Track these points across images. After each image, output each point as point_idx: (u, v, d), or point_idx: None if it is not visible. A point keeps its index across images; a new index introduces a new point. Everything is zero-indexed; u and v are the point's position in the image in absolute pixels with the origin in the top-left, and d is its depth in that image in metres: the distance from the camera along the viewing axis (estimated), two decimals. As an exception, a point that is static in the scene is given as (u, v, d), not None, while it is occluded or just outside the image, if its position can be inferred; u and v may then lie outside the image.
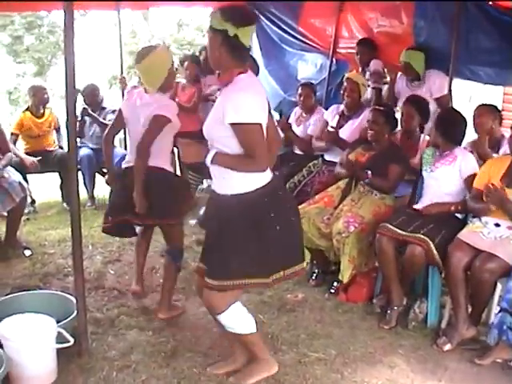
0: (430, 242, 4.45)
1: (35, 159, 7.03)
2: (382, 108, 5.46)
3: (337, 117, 6.25)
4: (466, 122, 4.90)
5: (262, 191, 3.39)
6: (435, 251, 4.44)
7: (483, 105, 5.32)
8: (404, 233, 4.58)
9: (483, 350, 4.22)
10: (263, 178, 3.42)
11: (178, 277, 4.81)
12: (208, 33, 3.34)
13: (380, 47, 7.08)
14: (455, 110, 5.05)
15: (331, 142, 6.11)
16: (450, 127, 4.88)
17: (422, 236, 4.48)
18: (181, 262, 4.80)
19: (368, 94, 6.91)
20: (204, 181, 8.56)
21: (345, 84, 6.21)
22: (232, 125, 3.24)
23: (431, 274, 4.64)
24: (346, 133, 6.09)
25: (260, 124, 3.27)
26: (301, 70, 8.56)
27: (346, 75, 6.37)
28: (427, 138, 5.65)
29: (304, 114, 6.82)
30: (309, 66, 8.39)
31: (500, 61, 5.92)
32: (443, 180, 4.79)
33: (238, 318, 3.61)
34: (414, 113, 5.60)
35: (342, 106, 6.32)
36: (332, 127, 6.18)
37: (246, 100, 3.23)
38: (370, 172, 5.20)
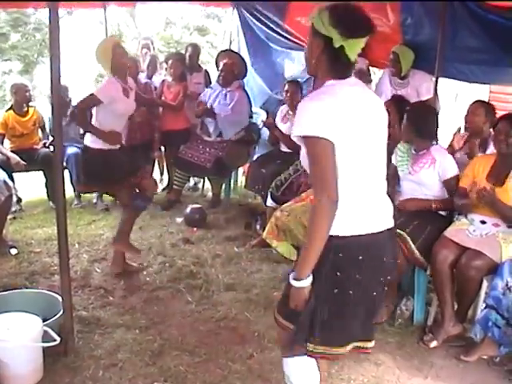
0: (410, 242, 4.45)
1: (20, 160, 7.00)
2: None
3: None
4: (437, 115, 4.90)
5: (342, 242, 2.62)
6: (416, 251, 4.45)
7: (479, 101, 5.33)
8: None
9: (469, 347, 4.24)
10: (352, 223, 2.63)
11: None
12: (309, 32, 2.70)
13: (369, 46, 7.08)
14: (425, 104, 5.05)
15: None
16: (422, 122, 4.79)
17: (400, 231, 4.46)
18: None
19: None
20: (190, 179, 8.57)
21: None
22: (298, 138, 2.59)
23: (417, 272, 4.65)
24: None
25: (328, 140, 2.47)
26: (287, 67, 8.57)
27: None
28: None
29: (290, 112, 6.82)
30: (295, 64, 8.39)
31: (486, 59, 5.93)
32: (425, 184, 4.75)
33: (299, 372, 3.00)
34: (394, 112, 5.57)
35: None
36: None
37: (311, 108, 2.54)
38: None
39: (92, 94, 5.07)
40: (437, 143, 4.88)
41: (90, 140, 5.20)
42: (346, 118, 2.53)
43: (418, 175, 4.77)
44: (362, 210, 2.63)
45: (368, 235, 2.62)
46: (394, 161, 4.97)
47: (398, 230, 4.45)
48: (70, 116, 6.44)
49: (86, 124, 5.25)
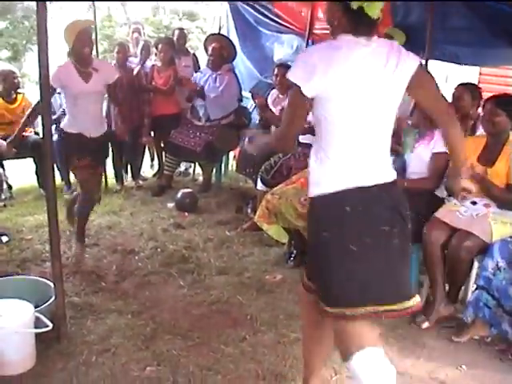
0: None
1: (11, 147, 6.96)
2: None
3: None
4: None
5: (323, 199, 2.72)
6: None
7: (463, 84, 5.31)
8: None
9: (460, 328, 4.27)
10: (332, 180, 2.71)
11: None
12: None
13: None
14: None
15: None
16: None
17: None
18: None
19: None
20: (181, 164, 8.56)
21: None
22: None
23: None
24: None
25: (298, 86, 2.61)
26: (277, 51, 8.57)
27: None
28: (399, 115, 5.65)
29: (280, 95, 6.81)
30: (285, 48, 8.39)
31: (476, 41, 5.94)
32: (419, 158, 4.78)
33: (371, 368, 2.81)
34: None
35: None
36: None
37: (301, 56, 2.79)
38: None
39: None
40: None
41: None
42: (340, 74, 2.57)
43: (416, 151, 4.83)
44: (350, 166, 2.69)
45: (358, 189, 2.66)
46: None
47: None
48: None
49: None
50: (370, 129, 2.71)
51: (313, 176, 2.78)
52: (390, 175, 2.80)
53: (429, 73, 2.94)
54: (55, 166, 7.16)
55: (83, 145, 5.22)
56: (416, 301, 2.84)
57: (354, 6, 2.60)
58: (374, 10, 2.63)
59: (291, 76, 2.64)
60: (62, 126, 5.45)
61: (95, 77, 5.24)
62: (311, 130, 5.94)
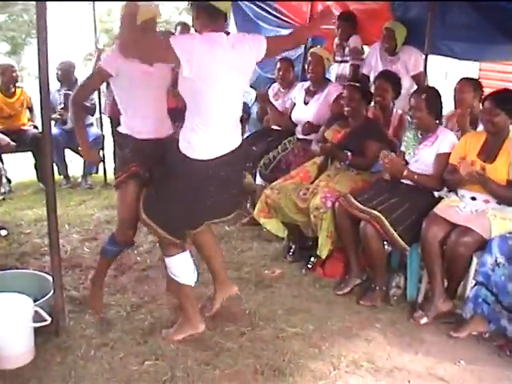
0: (384, 219, 4.47)
1: (11, 141, 6.96)
2: (357, 84, 5.45)
3: (303, 93, 6.24)
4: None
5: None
6: (391, 229, 4.47)
7: (465, 79, 5.30)
8: (362, 207, 4.60)
9: (459, 323, 4.27)
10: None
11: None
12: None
13: (360, 23, 7.08)
14: (433, 87, 5.04)
15: (308, 134, 6.08)
16: (439, 105, 4.83)
17: (376, 212, 4.50)
18: None
19: (346, 69, 6.99)
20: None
21: (309, 58, 6.23)
22: None
23: (410, 249, 4.64)
24: (312, 108, 6.11)
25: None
26: (277, 46, 8.53)
27: (311, 50, 6.39)
28: (399, 111, 5.66)
29: (282, 89, 6.79)
30: (286, 43, 8.36)
31: (476, 36, 5.92)
32: (425, 161, 4.75)
33: (181, 267, 3.92)
34: (388, 87, 5.63)
35: (306, 84, 6.33)
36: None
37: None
38: (349, 154, 5.20)
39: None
40: (441, 123, 4.90)
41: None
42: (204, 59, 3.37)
43: (420, 153, 4.78)
44: (218, 136, 3.62)
45: (223, 155, 3.62)
46: (402, 148, 4.98)
47: (375, 212, 4.48)
48: None
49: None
50: (229, 101, 3.63)
51: (190, 141, 3.61)
52: (240, 138, 3.83)
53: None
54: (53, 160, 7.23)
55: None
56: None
57: None
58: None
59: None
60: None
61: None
62: (315, 129, 5.95)
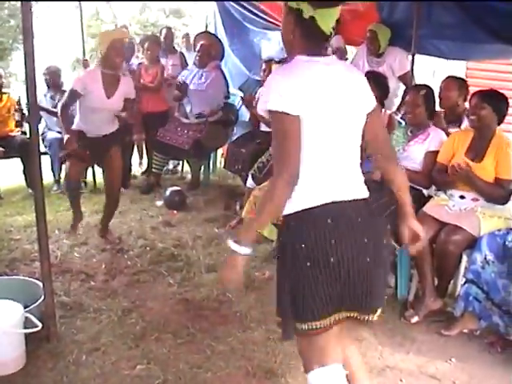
0: None
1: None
2: None
3: None
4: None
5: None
6: None
7: (451, 77, 5.33)
8: None
9: (450, 322, 4.29)
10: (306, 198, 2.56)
11: None
12: (283, 11, 2.66)
13: (345, 24, 7.10)
14: (428, 86, 5.05)
15: None
16: (433, 104, 4.92)
17: None
18: None
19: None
20: (169, 162, 8.55)
21: None
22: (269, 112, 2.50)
23: (399, 248, 4.65)
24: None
25: (295, 116, 2.42)
26: (264, 48, 8.57)
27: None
28: (388, 112, 5.69)
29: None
30: (272, 45, 8.39)
31: (462, 35, 5.95)
32: (413, 158, 4.80)
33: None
34: (372, 87, 5.61)
35: None
36: None
37: (279, 83, 2.48)
38: None
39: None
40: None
41: None
42: (313, 95, 2.46)
43: (409, 150, 4.83)
44: (324, 182, 2.57)
45: (333, 203, 2.54)
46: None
47: None
48: None
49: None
50: (340, 146, 2.61)
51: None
52: (364, 192, 2.75)
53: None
54: (50, 162, 7.23)
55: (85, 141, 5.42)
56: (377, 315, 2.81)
57: (306, 14, 2.51)
58: (327, 23, 2.57)
59: (272, 106, 2.44)
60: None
61: (117, 94, 5.37)
62: None
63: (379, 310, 2.78)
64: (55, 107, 7.62)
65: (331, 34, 2.61)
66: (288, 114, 2.40)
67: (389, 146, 2.89)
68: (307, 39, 2.57)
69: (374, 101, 2.75)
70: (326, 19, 2.57)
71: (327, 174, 2.58)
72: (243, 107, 7.65)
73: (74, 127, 5.45)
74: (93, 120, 5.39)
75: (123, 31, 5.61)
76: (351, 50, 8.06)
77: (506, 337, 4.02)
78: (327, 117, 2.52)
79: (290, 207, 2.52)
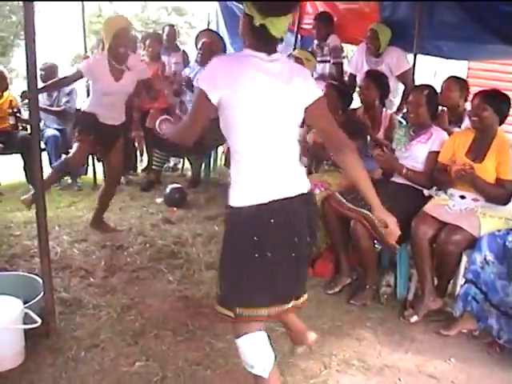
0: (373, 218, 4.46)
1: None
2: (335, 83, 5.50)
3: None
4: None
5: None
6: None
7: (453, 77, 5.33)
8: (351, 206, 4.63)
9: (449, 321, 4.29)
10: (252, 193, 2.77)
11: None
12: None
13: (347, 23, 7.11)
14: (431, 86, 5.05)
15: None
16: (436, 104, 4.93)
17: (366, 211, 4.50)
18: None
19: (326, 69, 7.02)
20: (170, 159, 8.54)
21: None
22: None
23: (400, 247, 4.65)
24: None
25: (203, 91, 2.70)
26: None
27: (290, 53, 6.49)
28: (389, 111, 5.69)
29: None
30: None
31: (464, 35, 5.95)
32: (416, 157, 4.81)
33: (249, 351, 3.05)
34: (371, 86, 5.62)
35: None
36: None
37: (213, 65, 2.72)
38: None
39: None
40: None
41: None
42: (240, 84, 2.66)
43: (411, 149, 4.84)
44: (264, 180, 2.77)
45: (274, 202, 2.72)
46: (393, 145, 5.08)
47: (365, 211, 4.48)
48: None
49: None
50: (274, 140, 2.78)
51: (235, 187, 2.85)
52: (306, 186, 2.93)
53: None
54: (48, 159, 7.22)
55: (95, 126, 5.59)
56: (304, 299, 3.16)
57: (257, 22, 2.65)
58: (278, 29, 2.68)
59: (200, 82, 2.75)
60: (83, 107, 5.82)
61: (126, 76, 5.50)
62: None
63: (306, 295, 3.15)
64: (52, 104, 7.66)
65: (282, 37, 2.75)
66: (205, 94, 2.69)
67: (337, 136, 2.91)
68: (257, 40, 2.72)
69: (317, 93, 2.86)
70: (278, 26, 2.68)
71: (264, 171, 2.78)
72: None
73: (86, 109, 5.65)
74: (105, 103, 5.52)
75: (126, 19, 5.63)
76: (351, 49, 8.06)
77: (498, 340, 4.03)
78: (256, 106, 2.69)
79: (236, 201, 2.80)
